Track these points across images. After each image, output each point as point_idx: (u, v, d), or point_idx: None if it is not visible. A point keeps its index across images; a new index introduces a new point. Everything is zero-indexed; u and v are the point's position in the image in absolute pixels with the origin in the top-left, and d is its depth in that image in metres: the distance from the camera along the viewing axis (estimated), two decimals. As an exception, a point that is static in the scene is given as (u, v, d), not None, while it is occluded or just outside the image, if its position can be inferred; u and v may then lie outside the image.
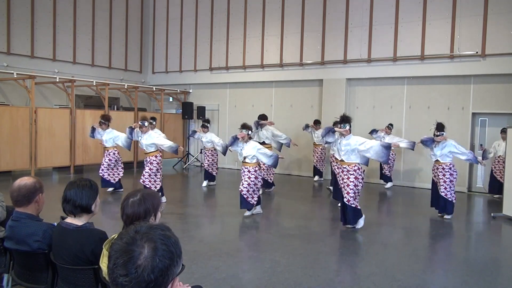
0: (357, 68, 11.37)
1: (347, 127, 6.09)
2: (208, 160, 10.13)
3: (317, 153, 10.96)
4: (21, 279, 2.80)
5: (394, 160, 10.42)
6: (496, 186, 9.31)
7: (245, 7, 13.31)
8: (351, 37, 11.42)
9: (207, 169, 10.12)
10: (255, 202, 6.99)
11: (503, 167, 8.07)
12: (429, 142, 7.20)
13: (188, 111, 13.95)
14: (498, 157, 9.20)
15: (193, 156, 14.28)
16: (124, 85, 13.42)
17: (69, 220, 2.55)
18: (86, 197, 2.52)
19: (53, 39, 12.75)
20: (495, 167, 9.37)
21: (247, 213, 6.97)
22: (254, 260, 4.91)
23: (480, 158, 7.75)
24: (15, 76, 10.45)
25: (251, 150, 6.90)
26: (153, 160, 7.67)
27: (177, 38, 14.94)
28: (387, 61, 10.94)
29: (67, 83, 11.96)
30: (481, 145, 9.82)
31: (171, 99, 15.22)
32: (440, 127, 7.14)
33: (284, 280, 4.30)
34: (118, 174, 8.93)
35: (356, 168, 6.08)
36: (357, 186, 6.08)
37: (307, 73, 12.21)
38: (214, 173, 10.15)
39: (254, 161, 6.95)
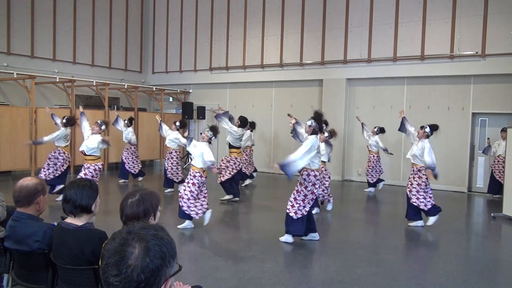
0: (357, 68, 11.37)
1: (310, 123, 5.48)
2: (171, 163, 8.97)
3: None
4: (21, 279, 2.80)
5: (375, 166, 9.77)
6: (496, 186, 9.31)
7: (245, 7, 13.31)
8: (351, 37, 11.42)
9: (170, 177, 8.99)
10: (193, 212, 6.09)
11: (503, 167, 8.07)
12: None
13: (188, 111, 13.95)
14: (498, 156, 9.20)
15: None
16: (124, 85, 13.42)
17: (69, 220, 2.55)
18: (86, 197, 2.52)
19: (53, 39, 12.75)
20: (494, 167, 9.36)
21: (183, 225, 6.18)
22: (254, 260, 4.91)
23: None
24: (15, 76, 10.45)
25: (198, 149, 6.21)
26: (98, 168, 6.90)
27: (177, 38, 14.94)
28: (387, 61, 10.94)
29: (67, 83, 11.96)
30: (488, 138, 9.78)
31: (171, 99, 15.23)
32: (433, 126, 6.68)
33: (284, 280, 4.30)
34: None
35: (306, 174, 5.47)
36: (301, 192, 5.46)
37: (307, 73, 12.21)
38: (176, 180, 9.06)
39: (200, 165, 6.17)
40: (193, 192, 6.07)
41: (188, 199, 6.05)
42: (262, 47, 12.98)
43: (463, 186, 10.14)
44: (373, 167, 9.76)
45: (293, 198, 5.53)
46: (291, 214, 5.49)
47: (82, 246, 2.43)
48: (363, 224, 6.92)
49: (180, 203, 6.10)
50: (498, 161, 9.18)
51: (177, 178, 9.09)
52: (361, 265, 4.82)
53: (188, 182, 6.13)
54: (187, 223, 6.18)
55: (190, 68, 14.61)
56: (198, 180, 6.09)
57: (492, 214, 7.56)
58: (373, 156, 9.74)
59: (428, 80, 10.61)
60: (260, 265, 4.72)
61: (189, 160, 14.11)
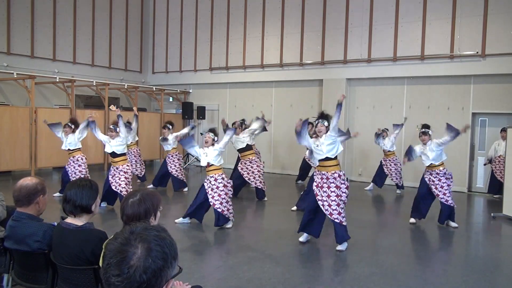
0: (357, 68, 11.37)
1: (326, 123, 5.46)
2: (175, 165, 9.21)
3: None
4: (21, 279, 2.80)
5: (400, 167, 9.73)
6: (496, 186, 9.31)
7: (245, 7, 13.31)
8: (351, 37, 11.42)
9: (176, 175, 9.19)
10: (231, 214, 6.31)
11: (504, 167, 8.06)
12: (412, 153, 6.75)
13: (188, 111, 13.96)
14: (499, 156, 9.20)
15: (193, 156, 14.25)
16: (124, 85, 13.43)
17: (69, 220, 2.55)
18: (86, 197, 2.52)
19: (53, 39, 12.75)
20: (495, 167, 9.36)
21: (229, 224, 6.32)
22: (254, 260, 4.91)
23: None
24: (15, 76, 10.46)
25: (213, 153, 6.23)
26: (127, 169, 7.28)
27: (177, 38, 14.94)
28: (387, 61, 10.94)
29: (67, 83, 11.96)
30: (484, 164, 9.82)
31: (171, 99, 15.23)
32: (425, 126, 6.79)
33: (284, 280, 4.30)
34: None
35: (336, 175, 5.35)
36: (340, 196, 5.31)
37: (307, 73, 12.21)
38: (184, 179, 9.36)
39: (219, 165, 6.28)
40: (228, 193, 6.21)
41: (227, 202, 6.18)
42: (262, 47, 12.98)
43: (463, 186, 10.14)
44: (396, 168, 9.64)
45: (337, 204, 5.26)
46: (344, 224, 5.30)
47: (82, 246, 2.43)
48: (363, 224, 6.91)
49: (219, 210, 6.11)
50: (499, 161, 9.18)
51: (184, 178, 9.30)
52: (361, 265, 4.82)
53: (218, 188, 6.14)
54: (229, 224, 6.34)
55: (190, 68, 14.61)
56: (225, 181, 6.21)
57: (492, 214, 7.56)
58: (394, 158, 9.62)
59: (428, 80, 10.60)
60: (260, 265, 4.72)
61: (188, 160, 14.14)
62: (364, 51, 11.23)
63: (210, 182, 6.21)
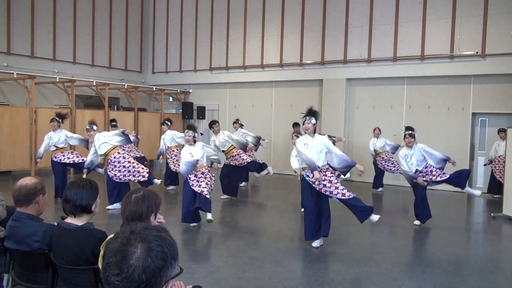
0: (357, 68, 11.37)
1: (314, 122, 5.30)
2: (173, 162, 9.18)
3: None
4: (21, 279, 2.80)
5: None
6: (496, 186, 9.31)
7: (245, 7, 13.31)
8: (351, 37, 11.42)
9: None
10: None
11: (503, 166, 8.06)
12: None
13: (188, 111, 13.96)
14: (499, 156, 9.20)
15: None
16: (124, 85, 13.43)
17: (69, 220, 2.55)
18: (86, 197, 2.52)
19: (53, 39, 12.75)
20: (495, 167, 9.36)
21: (209, 216, 6.22)
22: (254, 260, 4.91)
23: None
24: (15, 76, 10.46)
25: (199, 151, 6.30)
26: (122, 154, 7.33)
27: (177, 38, 14.94)
28: (387, 61, 10.94)
29: (67, 83, 11.96)
30: (485, 165, 9.81)
31: (171, 99, 15.23)
32: (409, 128, 6.70)
33: (284, 280, 4.30)
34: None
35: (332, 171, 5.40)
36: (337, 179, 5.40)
37: (307, 73, 12.21)
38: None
39: (205, 162, 6.43)
40: (213, 184, 6.46)
41: (210, 191, 6.35)
42: (262, 47, 12.98)
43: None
44: (388, 162, 9.66)
45: (335, 184, 5.31)
46: (351, 196, 5.41)
47: (82, 246, 2.43)
48: (363, 224, 6.91)
49: (207, 196, 6.14)
50: (499, 161, 9.18)
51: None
52: (361, 265, 4.82)
53: (205, 178, 6.30)
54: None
55: (190, 68, 14.61)
56: (211, 174, 6.41)
57: (492, 214, 7.56)
58: (385, 155, 9.64)
59: (428, 80, 10.60)
60: (260, 265, 4.72)
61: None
62: (364, 51, 11.23)
63: (196, 176, 6.25)
